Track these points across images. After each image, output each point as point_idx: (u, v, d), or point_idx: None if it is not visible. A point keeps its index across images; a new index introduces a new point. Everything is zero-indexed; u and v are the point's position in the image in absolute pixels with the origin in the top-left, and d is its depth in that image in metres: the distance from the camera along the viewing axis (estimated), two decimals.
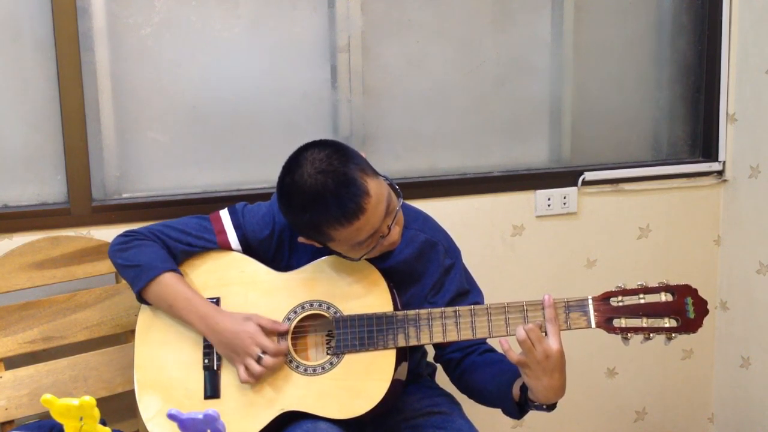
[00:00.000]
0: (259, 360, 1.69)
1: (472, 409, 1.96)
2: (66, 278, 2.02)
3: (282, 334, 1.73)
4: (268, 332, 1.72)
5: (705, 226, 2.73)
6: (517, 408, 1.73)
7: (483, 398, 1.84)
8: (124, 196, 2.20)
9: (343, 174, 1.61)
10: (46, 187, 2.14)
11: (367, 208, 1.61)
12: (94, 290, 2.05)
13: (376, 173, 1.68)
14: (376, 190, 1.64)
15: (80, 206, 2.11)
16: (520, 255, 2.54)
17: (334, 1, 2.30)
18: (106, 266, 2.05)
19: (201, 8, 2.20)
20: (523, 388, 1.68)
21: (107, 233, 2.08)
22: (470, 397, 1.89)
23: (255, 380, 1.71)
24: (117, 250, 1.81)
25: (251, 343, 1.69)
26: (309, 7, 2.30)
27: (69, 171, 2.10)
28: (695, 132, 2.74)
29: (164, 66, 2.20)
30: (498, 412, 2.56)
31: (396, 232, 1.71)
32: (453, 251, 1.87)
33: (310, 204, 1.62)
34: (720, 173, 2.69)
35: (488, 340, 1.83)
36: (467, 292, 1.85)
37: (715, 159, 2.68)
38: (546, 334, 1.61)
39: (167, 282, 1.75)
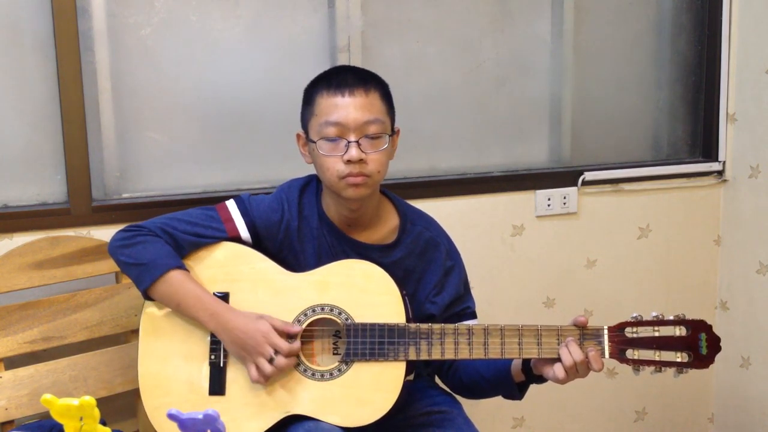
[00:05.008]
0: (271, 360, 1.66)
1: (472, 409, 1.95)
2: (66, 278, 2.02)
3: (292, 337, 1.69)
4: (279, 333, 1.68)
5: (705, 226, 2.73)
6: (518, 389, 1.75)
7: (480, 388, 1.83)
8: (124, 196, 2.20)
9: (369, 73, 1.75)
10: (46, 187, 2.14)
11: (357, 93, 1.69)
12: (94, 290, 2.04)
13: (392, 120, 1.78)
14: (378, 104, 1.72)
15: (80, 206, 2.11)
16: (520, 255, 2.53)
17: (334, 1, 2.30)
18: (106, 266, 2.05)
19: (201, 8, 2.20)
20: (527, 368, 1.71)
21: (107, 233, 2.07)
22: (465, 392, 1.89)
23: (266, 380, 1.68)
24: (119, 246, 1.75)
25: (264, 342, 1.66)
26: (309, 7, 2.30)
27: (69, 171, 2.10)
28: (695, 132, 2.73)
29: (164, 66, 2.20)
30: (498, 411, 2.58)
31: (373, 160, 1.72)
32: (454, 254, 1.88)
33: (323, 72, 1.76)
34: (720, 173, 2.69)
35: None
36: (461, 297, 1.86)
37: (715, 159, 2.68)
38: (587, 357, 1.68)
39: (174, 280, 1.70)
